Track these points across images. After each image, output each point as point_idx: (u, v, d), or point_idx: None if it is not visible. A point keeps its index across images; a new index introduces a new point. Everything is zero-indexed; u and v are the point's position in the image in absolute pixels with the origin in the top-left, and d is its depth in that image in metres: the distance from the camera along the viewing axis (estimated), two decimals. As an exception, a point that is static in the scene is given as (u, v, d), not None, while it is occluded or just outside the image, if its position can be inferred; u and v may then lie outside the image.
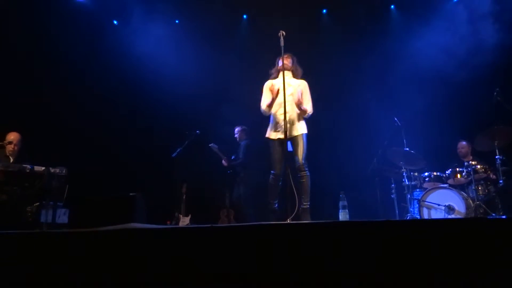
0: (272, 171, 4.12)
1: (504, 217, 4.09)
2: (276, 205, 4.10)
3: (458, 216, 4.88)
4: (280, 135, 4.02)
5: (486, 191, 5.17)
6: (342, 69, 6.82)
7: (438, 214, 5.03)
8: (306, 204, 3.97)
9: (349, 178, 5.99)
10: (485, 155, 5.31)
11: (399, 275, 1.83)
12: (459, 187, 5.26)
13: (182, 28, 7.37)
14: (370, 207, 5.69)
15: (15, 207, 4.29)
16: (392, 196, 5.67)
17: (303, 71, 4.40)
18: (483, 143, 5.08)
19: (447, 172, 5.39)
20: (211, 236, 2.01)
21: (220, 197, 6.33)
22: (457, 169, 5.31)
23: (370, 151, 5.87)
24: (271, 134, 4.18)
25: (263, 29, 6.46)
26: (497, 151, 4.88)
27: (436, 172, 5.45)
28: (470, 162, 5.19)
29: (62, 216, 4.57)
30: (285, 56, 4.05)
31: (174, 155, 5.99)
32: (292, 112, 4.09)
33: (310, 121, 4.23)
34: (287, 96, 3.88)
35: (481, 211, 4.87)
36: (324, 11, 7.56)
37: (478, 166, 5.14)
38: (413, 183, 5.48)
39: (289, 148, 4.06)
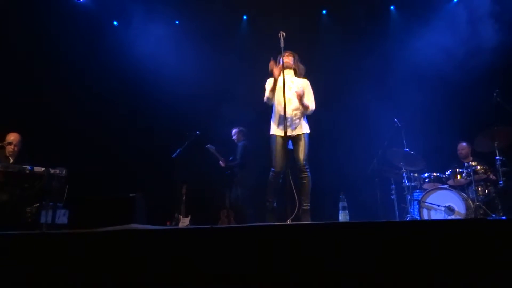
0: (272, 168, 4.03)
1: (504, 218, 4.09)
2: (275, 204, 4.03)
3: (458, 217, 4.88)
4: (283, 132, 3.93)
5: (486, 192, 5.17)
6: (342, 70, 6.83)
7: (438, 215, 5.03)
8: (306, 205, 3.92)
9: (349, 179, 5.98)
10: (485, 156, 5.31)
11: (399, 275, 1.83)
12: (459, 188, 5.26)
13: (182, 28, 7.37)
14: (370, 208, 5.69)
15: (15, 207, 4.29)
16: (392, 197, 5.68)
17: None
18: (483, 144, 5.08)
19: (447, 173, 5.39)
20: (211, 237, 2.01)
21: (220, 198, 6.33)
22: (457, 170, 5.31)
23: (370, 151, 5.87)
24: (274, 130, 4.07)
25: (263, 30, 6.47)
26: (497, 152, 4.88)
27: (436, 173, 5.44)
28: (470, 163, 5.19)
29: (62, 217, 4.58)
30: (286, 54, 3.99)
31: (174, 155, 5.99)
32: (296, 110, 4.01)
33: (310, 122, 4.20)
34: (289, 95, 3.86)
35: (481, 212, 4.87)
36: (324, 11, 7.57)
37: (478, 167, 5.14)
38: (413, 184, 5.48)
39: (290, 146, 4.02)
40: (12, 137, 5.04)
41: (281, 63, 3.90)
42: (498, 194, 4.91)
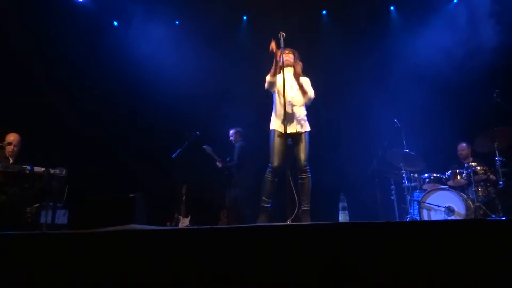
0: (269, 165, 3.90)
1: (504, 218, 4.10)
2: (270, 206, 3.87)
3: (458, 218, 4.87)
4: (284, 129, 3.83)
5: (486, 192, 5.17)
6: (342, 70, 6.83)
7: (438, 215, 5.03)
8: (306, 206, 3.87)
9: (349, 180, 5.98)
10: (485, 156, 5.31)
11: (399, 276, 1.83)
12: (459, 189, 5.26)
13: (182, 29, 7.38)
14: (370, 208, 5.68)
15: (14, 208, 4.29)
16: (392, 197, 5.67)
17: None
18: (483, 144, 5.08)
19: (447, 173, 5.39)
20: (211, 237, 2.01)
21: (220, 198, 6.33)
22: (457, 170, 5.31)
23: (370, 152, 5.87)
24: (275, 125, 3.99)
25: (263, 30, 6.46)
26: (497, 152, 4.88)
27: (436, 173, 5.44)
28: (470, 163, 5.19)
29: (62, 217, 4.58)
30: (286, 51, 3.95)
31: (174, 156, 6.00)
32: (297, 108, 3.96)
33: (310, 122, 4.18)
34: (290, 94, 3.84)
35: (481, 212, 4.86)
36: (324, 12, 7.57)
37: (478, 168, 5.14)
38: (413, 184, 5.48)
39: (290, 143, 3.95)
40: (12, 137, 5.03)
41: (281, 61, 3.88)
42: (498, 195, 4.90)
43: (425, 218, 5.09)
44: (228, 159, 6.26)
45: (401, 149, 5.43)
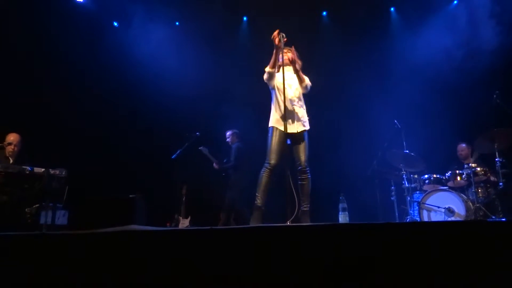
0: (266, 162, 3.81)
1: (503, 219, 4.10)
2: (261, 205, 3.74)
3: (458, 219, 4.88)
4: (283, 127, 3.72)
5: (486, 193, 5.17)
6: (342, 70, 6.83)
7: (438, 216, 5.03)
8: (306, 207, 3.85)
9: (349, 180, 5.98)
10: (485, 157, 5.31)
11: (399, 277, 1.83)
12: (459, 190, 5.26)
13: (182, 29, 7.38)
14: (370, 209, 5.69)
15: (14, 208, 4.28)
16: (392, 198, 5.68)
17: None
18: (483, 145, 5.07)
19: (447, 174, 5.39)
20: (210, 238, 2.01)
21: (220, 199, 6.33)
22: (457, 171, 5.31)
23: (370, 153, 5.87)
24: (274, 122, 3.92)
25: (263, 31, 6.45)
26: (497, 153, 4.88)
27: (436, 174, 5.44)
28: (470, 164, 5.19)
29: (62, 218, 4.57)
30: (286, 50, 3.93)
31: (173, 156, 6.00)
32: (298, 109, 3.93)
33: (310, 122, 4.16)
34: (290, 93, 3.84)
35: (481, 213, 4.86)
36: (324, 13, 7.57)
37: (478, 169, 5.14)
38: (413, 185, 5.48)
39: (288, 142, 3.94)
40: (12, 137, 5.04)
41: (280, 60, 3.87)
42: (498, 196, 4.90)
43: (425, 219, 5.09)
44: (225, 160, 6.26)
45: (401, 150, 5.44)
